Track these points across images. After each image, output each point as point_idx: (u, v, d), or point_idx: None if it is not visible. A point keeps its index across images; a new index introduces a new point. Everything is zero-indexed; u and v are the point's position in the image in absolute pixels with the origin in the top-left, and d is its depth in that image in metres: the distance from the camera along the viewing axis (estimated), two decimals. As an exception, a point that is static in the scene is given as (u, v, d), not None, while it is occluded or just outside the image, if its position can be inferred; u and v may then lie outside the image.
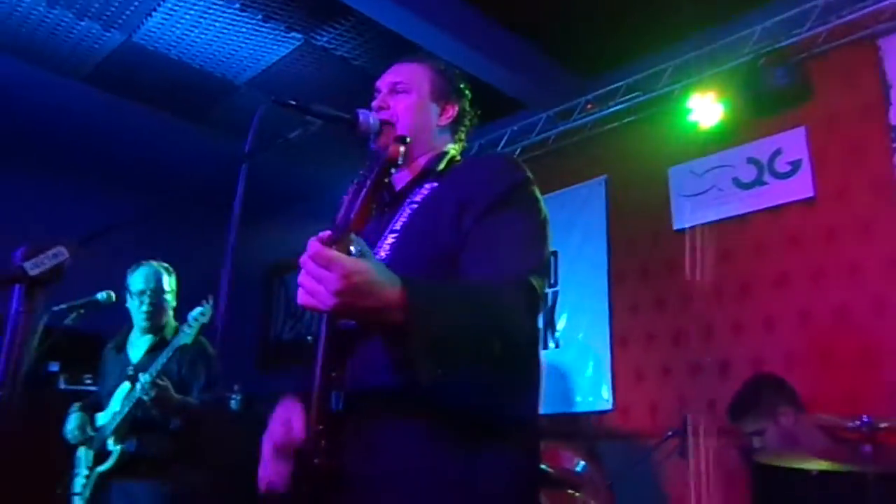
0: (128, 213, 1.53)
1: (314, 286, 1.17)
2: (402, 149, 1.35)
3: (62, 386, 4.24)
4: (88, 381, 4.36)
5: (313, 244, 1.18)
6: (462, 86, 1.95)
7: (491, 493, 1.42)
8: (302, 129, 1.66)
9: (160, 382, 2.95)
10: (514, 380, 1.56)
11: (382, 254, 1.57)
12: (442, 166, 1.78)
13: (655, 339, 4.52)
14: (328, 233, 1.23)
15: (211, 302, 3.05)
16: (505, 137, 5.49)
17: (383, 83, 1.86)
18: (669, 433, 3.78)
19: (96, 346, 4.83)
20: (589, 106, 5.21)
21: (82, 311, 3.74)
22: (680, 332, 4.33)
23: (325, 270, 1.15)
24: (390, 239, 1.59)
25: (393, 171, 1.35)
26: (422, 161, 1.80)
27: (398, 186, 1.79)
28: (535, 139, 5.37)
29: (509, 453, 1.48)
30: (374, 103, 1.82)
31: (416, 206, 1.65)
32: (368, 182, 1.30)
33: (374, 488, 1.41)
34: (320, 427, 1.34)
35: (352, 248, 1.21)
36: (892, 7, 3.85)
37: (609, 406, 4.71)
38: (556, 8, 4.68)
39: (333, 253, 1.16)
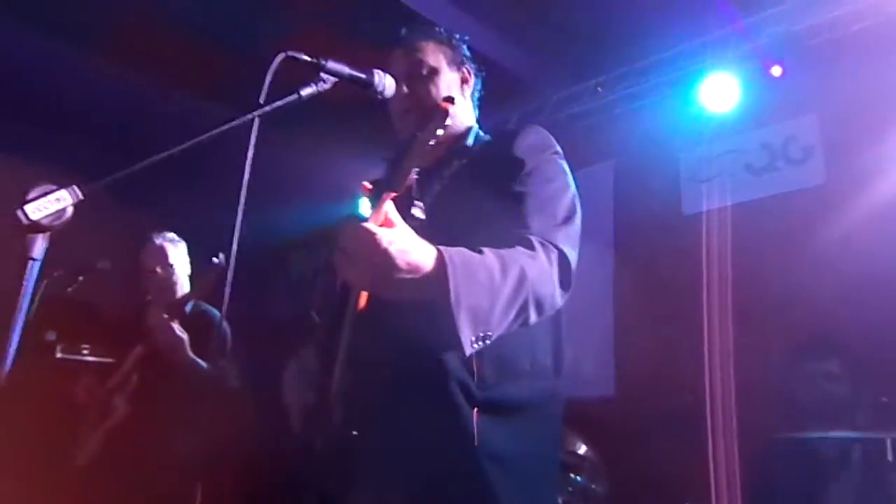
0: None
1: (354, 260, 1.18)
2: (451, 108, 1.30)
3: (59, 355, 4.18)
4: (86, 351, 4.31)
5: (352, 220, 1.18)
6: (471, 54, 1.95)
7: (523, 465, 1.45)
8: (315, 86, 1.61)
9: (178, 331, 2.89)
10: (543, 350, 1.55)
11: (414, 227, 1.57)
12: (470, 141, 1.80)
13: (661, 325, 4.46)
14: (367, 195, 1.25)
15: (221, 258, 2.97)
16: (514, 119, 5.42)
17: (401, 68, 1.82)
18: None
19: (94, 316, 4.79)
20: (599, 89, 5.14)
21: (81, 278, 3.70)
22: (687, 319, 4.27)
23: (365, 245, 1.16)
24: (418, 213, 1.55)
25: (439, 132, 1.31)
26: (450, 137, 1.76)
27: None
28: (544, 121, 5.31)
29: (538, 428, 1.51)
30: (397, 92, 1.76)
31: (445, 182, 1.65)
32: (413, 143, 1.26)
33: (399, 463, 1.42)
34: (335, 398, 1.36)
35: (390, 212, 1.21)
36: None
37: (611, 391, 4.67)
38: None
39: (372, 227, 1.16)
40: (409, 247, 1.19)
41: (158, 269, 3.28)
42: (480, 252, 1.31)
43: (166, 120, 4.27)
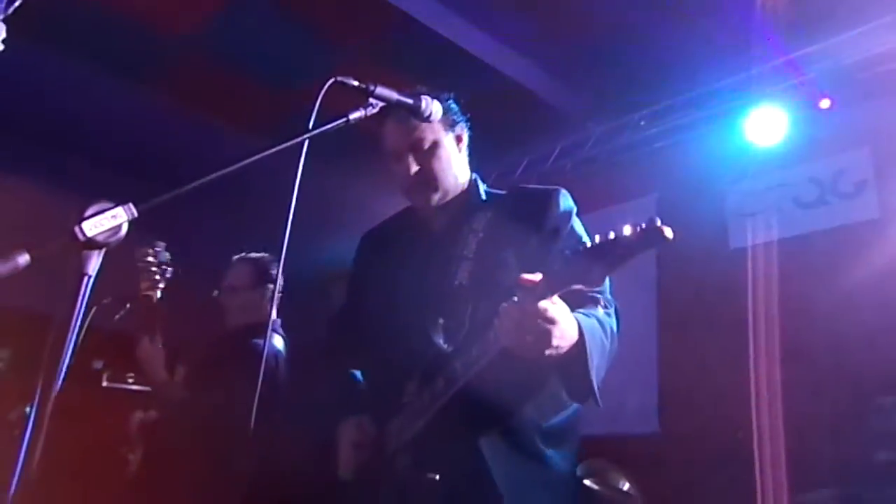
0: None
1: (534, 335, 1.39)
2: (670, 235, 1.31)
3: (104, 384, 4.24)
4: (131, 380, 4.35)
5: (529, 302, 1.37)
6: (456, 105, 1.94)
7: (558, 489, 1.67)
8: (363, 110, 1.62)
9: (147, 348, 2.90)
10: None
11: (462, 279, 1.72)
12: (483, 195, 1.89)
13: (706, 361, 4.35)
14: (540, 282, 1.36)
15: None
16: (556, 152, 5.40)
17: (401, 144, 1.84)
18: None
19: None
20: (642, 122, 5.11)
21: (128, 306, 3.73)
22: (733, 355, 4.17)
23: (546, 323, 1.38)
24: (464, 265, 1.73)
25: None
26: (458, 194, 1.88)
27: (441, 219, 1.88)
28: (587, 154, 5.28)
29: (567, 457, 1.71)
30: (403, 168, 1.83)
31: (480, 234, 1.76)
32: (622, 253, 1.33)
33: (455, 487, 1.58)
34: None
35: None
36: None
37: (656, 429, 4.56)
38: (613, 22, 4.60)
39: (551, 309, 1.37)
40: (570, 324, 1.42)
41: (237, 284, 3.25)
42: (587, 315, 1.53)
43: (213, 150, 4.36)
